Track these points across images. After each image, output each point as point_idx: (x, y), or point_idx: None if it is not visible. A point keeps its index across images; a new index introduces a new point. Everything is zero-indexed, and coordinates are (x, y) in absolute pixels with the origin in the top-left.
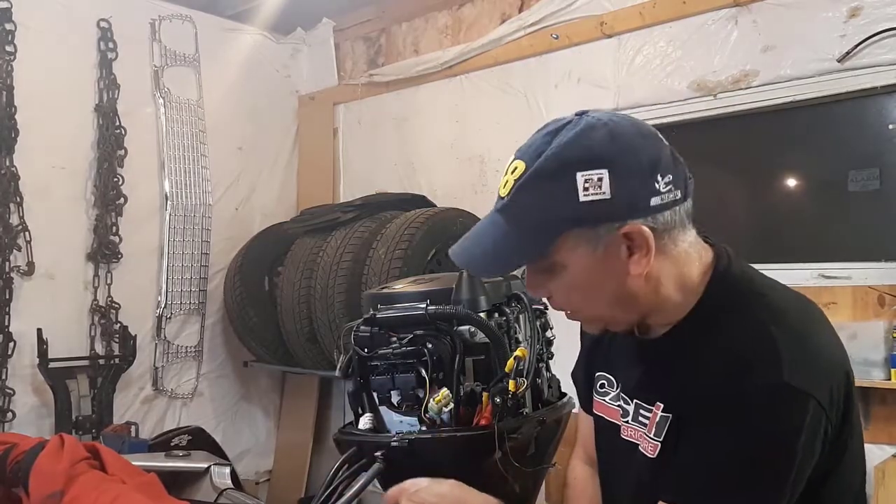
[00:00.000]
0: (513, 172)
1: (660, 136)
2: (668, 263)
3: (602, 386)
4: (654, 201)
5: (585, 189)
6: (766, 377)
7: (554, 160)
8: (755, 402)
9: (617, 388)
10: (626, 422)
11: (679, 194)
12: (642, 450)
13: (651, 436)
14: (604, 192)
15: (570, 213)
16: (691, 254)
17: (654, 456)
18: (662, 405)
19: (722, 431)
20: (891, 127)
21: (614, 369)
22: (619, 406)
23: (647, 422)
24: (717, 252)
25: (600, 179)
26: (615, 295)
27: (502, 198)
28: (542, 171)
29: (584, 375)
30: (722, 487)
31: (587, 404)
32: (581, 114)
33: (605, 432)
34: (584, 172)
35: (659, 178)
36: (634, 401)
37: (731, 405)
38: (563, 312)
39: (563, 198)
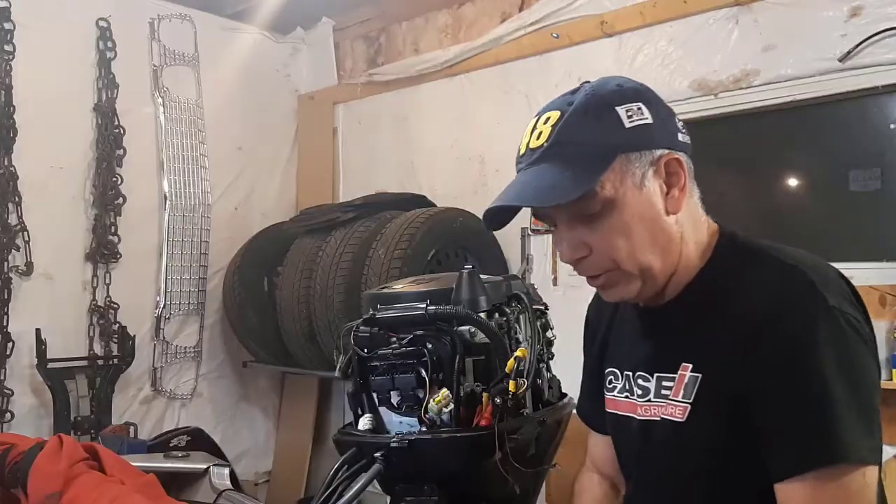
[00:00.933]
0: (546, 122)
1: None
2: (687, 211)
3: (610, 382)
4: (681, 137)
5: (630, 117)
6: (813, 305)
7: (593, 99)
8: (811, 328)
9: (622, 379)
10: (649, 401)
11: (689, 139)
12: (666, 416)
13: (679, 399)
14: (646, 118)
15: (618, 140)
16: (700, 212)
17: (683, 419)
18: (691, 365)
19: (798, 375)
20: (892, 126)
21: (621, 359)
22: (627, 395)
23: (669, 392)
24: (721, 223)
25: (640, 109)
26: (655, 237)
27: (535, 149)
28: (584, 108)
29: (595, 388)
30: (833, 428)
31: (597, 418)
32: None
33: (620, 426)
34: (624, 106)
35: (676, 118)
36: (656, 375)
37: (792, 346)
38: (597, 277)
39: (610, 128)
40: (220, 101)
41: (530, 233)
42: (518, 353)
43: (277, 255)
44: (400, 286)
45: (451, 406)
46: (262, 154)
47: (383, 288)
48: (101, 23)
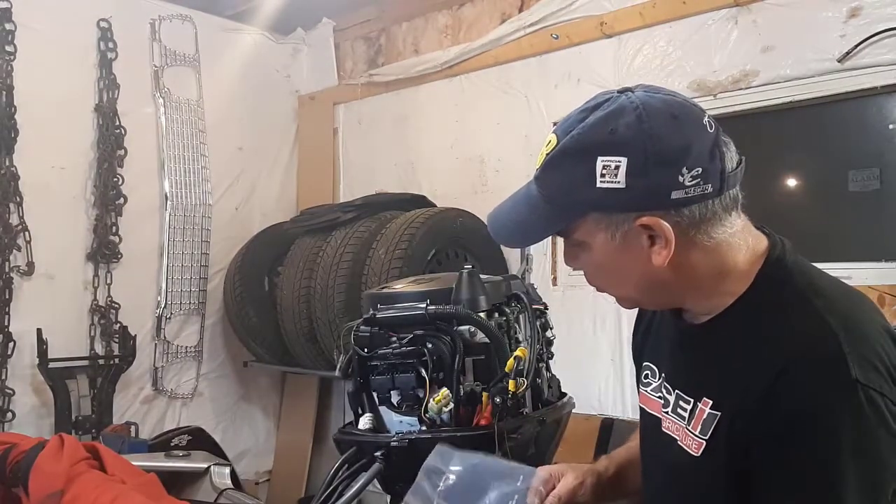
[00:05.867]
0: (547, 145)
1: (704, 122)
2: (702, 254)
3: (646, 376)
4: (676, 195)
5: (602, 175)
6: (834, 376)
7: (578, 141)
8: (826, 403)
9: (659, 378)
10: (667, 413)
11: (710, 188)
12: (683, 445)
13: (696, 433)
14: (619, 182)
15: (589, 197)
16: (735, 243)
17: (698, 454)
18: (711, 401)
19: (797, 440)
20: (891, 127)
21: (659, 358)
22: (660, 397)
23: (685, 415)
24: (772, 241)
25: (617, 168)
26: (641, 280)
27: (537, 167)
28: (566, 150)
29: (635, 367)
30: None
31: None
32: (624, 91)
33: (648, 423)
34: (605, 158)
35: (685, 170)
36: (676, 391)
37: (799, 410)
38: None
39: (584, 181)
40: (221, 101)
41: None
42: (518, 352)
43: (278, 255)
44: (400, 286)
45: (451, 405)
46: (262, 154)
47: (383, 288)
48: (102, 23)
